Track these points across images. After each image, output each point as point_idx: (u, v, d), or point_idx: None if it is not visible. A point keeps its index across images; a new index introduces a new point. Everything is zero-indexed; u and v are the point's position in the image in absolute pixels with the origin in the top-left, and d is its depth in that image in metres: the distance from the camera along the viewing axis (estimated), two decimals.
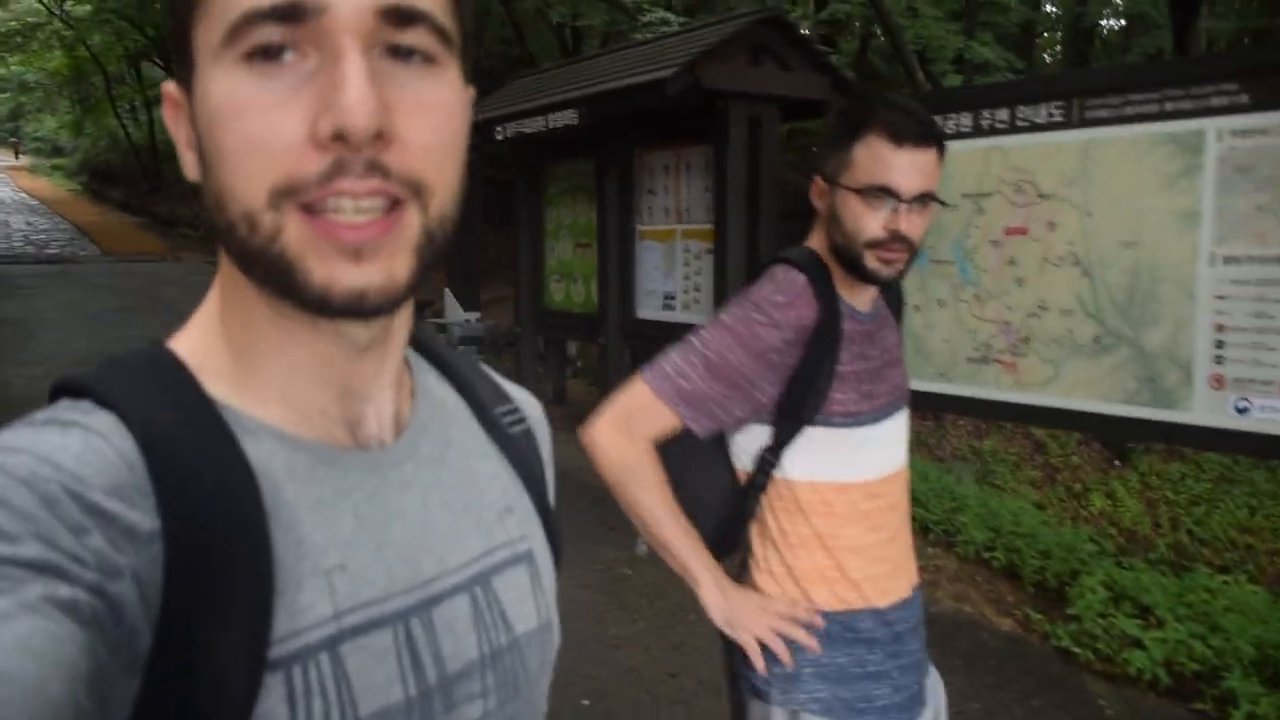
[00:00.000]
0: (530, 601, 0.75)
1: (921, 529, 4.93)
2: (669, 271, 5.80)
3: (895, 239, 1.62)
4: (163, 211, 24.02)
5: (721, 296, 5.38)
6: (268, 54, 0.56)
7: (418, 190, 0.59)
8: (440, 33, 0.60)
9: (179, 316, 0.68)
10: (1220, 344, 3.33)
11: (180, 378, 0.62)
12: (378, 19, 0.57)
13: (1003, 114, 3.99)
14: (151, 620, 0.52)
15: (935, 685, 1.87)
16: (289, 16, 0.56)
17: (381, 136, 0.56)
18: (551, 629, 0.78)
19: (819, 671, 1.67)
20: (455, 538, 0.70)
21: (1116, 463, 7.11)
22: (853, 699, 1.68)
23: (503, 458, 0.79)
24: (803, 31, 5.17)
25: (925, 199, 1.63)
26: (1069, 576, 4.35)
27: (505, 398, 0.85)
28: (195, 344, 0.66)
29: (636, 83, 5.16)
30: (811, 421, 1.66)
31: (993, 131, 4.04)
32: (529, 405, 0.89)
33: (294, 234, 0.57)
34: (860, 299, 1.75)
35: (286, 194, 0.56)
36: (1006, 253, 4.02)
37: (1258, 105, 3.23)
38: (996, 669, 3.81)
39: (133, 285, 14.68)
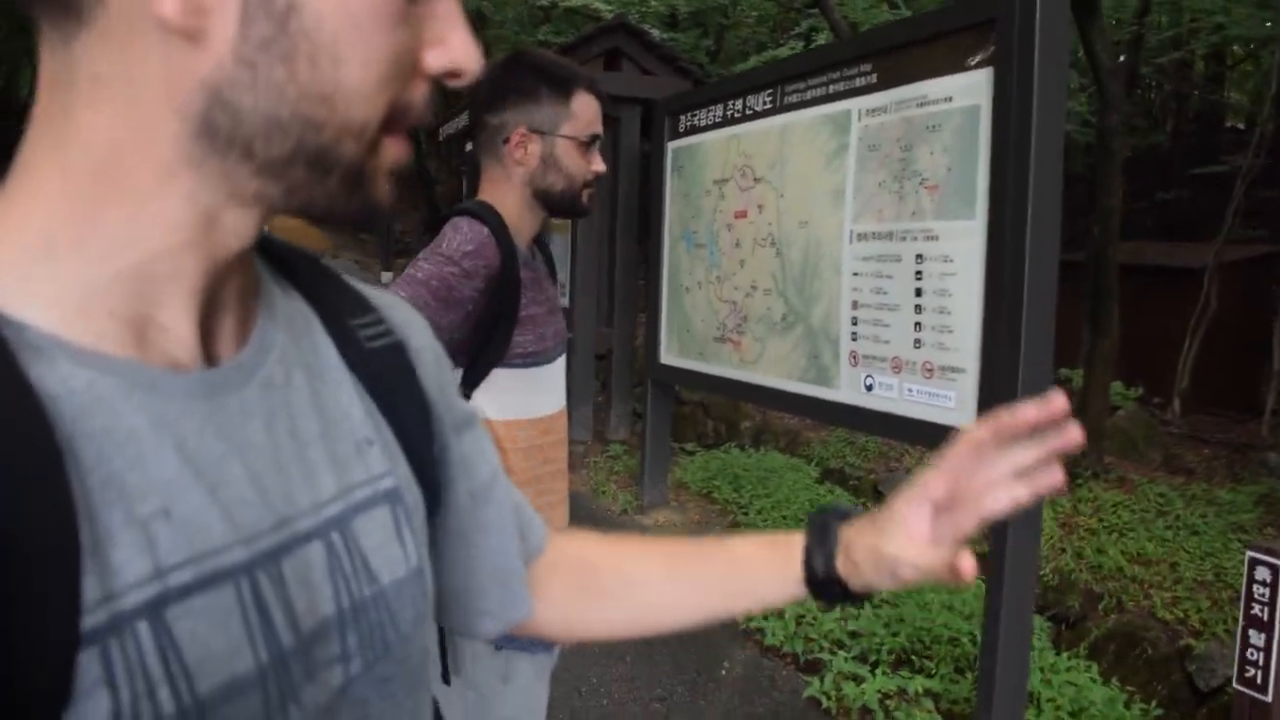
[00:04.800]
0: (397, 546, 0.64)
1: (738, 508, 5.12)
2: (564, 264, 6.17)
3: (598, 176, 1.95)
4: None
5: (574, 287, 5.69)
6: None
7: None
8: None
9: None
10: (855, 321, 3.39)
11: None
12: None
13: (738, 104, 4.15)
14: None
15: None
16: None
17: None
18: (424, 576, 0.67)
19: None
20: (306, 475, 0.59)
21: (1066, 489, 6.79)
22: None
23: (359, 381, 0.68)
24: (658, 38, 5.39)
25: None
26: None
27: (365, 307, 0.72)
28: None
29: None
30: (497, 363, 1.84)
31: (731, 121, 4.20)
32: (396, 310, 0.77)
33: (389, 152, 0.57)
34: (527, 248, 1.94)
35: (399, 114, 0.56)
36: (734, 235, 4.16)
37: (883, 84, 3.30)
38: None
39: None
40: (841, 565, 0.83)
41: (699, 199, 4.46)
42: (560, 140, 1.84)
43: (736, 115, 4.15)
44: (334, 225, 0.59)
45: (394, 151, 0.57)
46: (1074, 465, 6.91)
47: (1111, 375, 7.67)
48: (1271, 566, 2.25)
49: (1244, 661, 2.41)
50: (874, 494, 6.82)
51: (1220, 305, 9.23)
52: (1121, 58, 10.57)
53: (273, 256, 0.68)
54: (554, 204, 1.89)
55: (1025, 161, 2.74)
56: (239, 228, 0.55)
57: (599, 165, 1.91)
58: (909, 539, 0.78)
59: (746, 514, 4.96)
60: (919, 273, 3.08)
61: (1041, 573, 5.68)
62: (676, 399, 8.59)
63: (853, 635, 3.61)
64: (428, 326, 0.80)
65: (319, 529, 0.59)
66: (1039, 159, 2.73)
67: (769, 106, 3.92)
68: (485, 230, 1.77)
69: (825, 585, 0.84)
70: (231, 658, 0.51)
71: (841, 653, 3.46)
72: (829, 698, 3.24)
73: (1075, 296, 7.23)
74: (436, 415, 0.75)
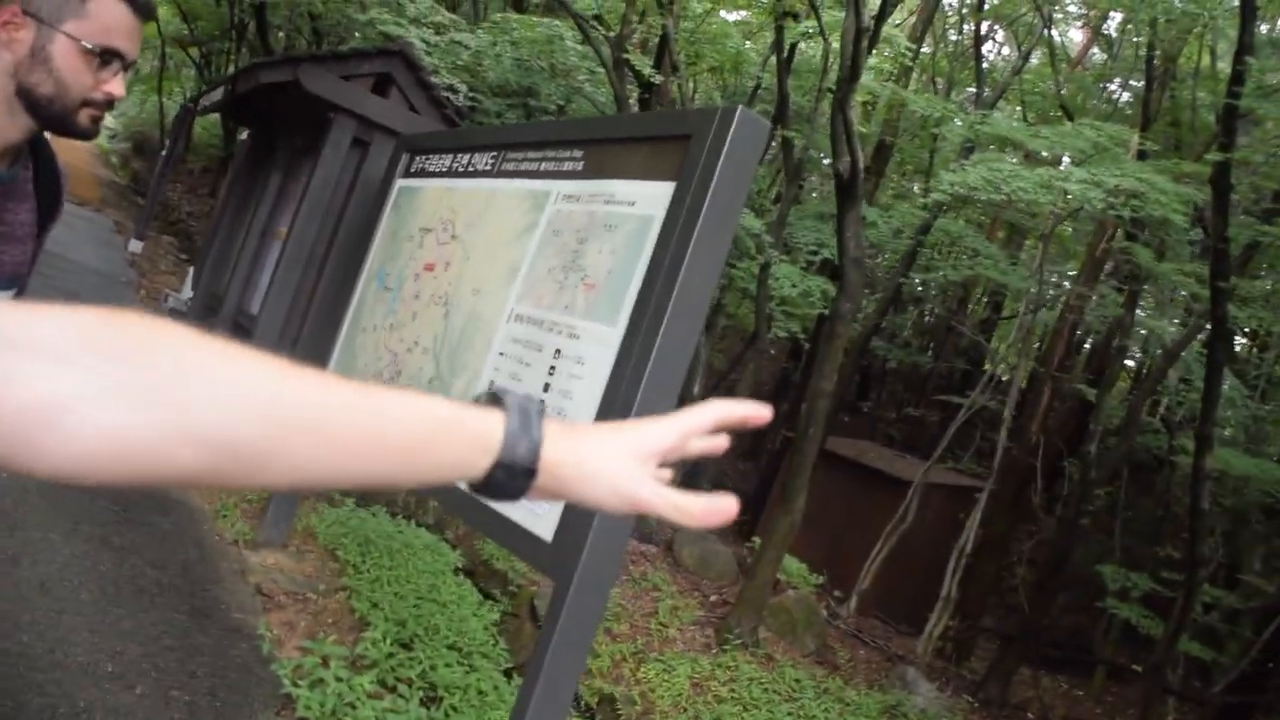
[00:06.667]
0: None
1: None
2: None
3: (110, 102, 1.57)
4: (148, 181, 24.52)
5: (268, 296, 5.33)
6: None
7: None
8: None
9: None
10: None
11: None
12: None
13: (466, 158, 3.97)
14: None
15: None
16: None
17: None
18: None
19: None
20: None
21: (713, 650, 6.76)
22: None
23: None
24: (431, 78, 5.24)
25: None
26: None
27: None
28: None
29: (262, 69, 5.36)
30: None
31: (455, 174, 4.02)
32: None
33: None
34: None
35: None
36: (418, 286, 3.93)
37: (586, 173, 3.18)
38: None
39: None
40: (553, 459, 0.74)
41: (403, 242, 4.22)
42: (61, 37, 1.51)
43: (460, 170, 3.96)
44: None
45: None
46: (727, 631, 6.89)
47: (785, 552, 7.79)
48: None
49: None
50: (530, 610, 6.56)
51: (915, 521, 9.67)
52: (878, 258, 11.16)
53: None
54: (39, 111, 1.54)
55: (672, 284, 2.64)
56: None
57: (113, 88, 1.57)
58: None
59: (361, 581, 4.58)
60: (553, 368, 2.91)
61: None
62: None
63: None
64: None
65: None
66: (686, 283, 2.63)
67: (489, 168, 3.76)
68: None
69: (518, 475, 0.73)
70: None
71: None
72: None
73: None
74: None
